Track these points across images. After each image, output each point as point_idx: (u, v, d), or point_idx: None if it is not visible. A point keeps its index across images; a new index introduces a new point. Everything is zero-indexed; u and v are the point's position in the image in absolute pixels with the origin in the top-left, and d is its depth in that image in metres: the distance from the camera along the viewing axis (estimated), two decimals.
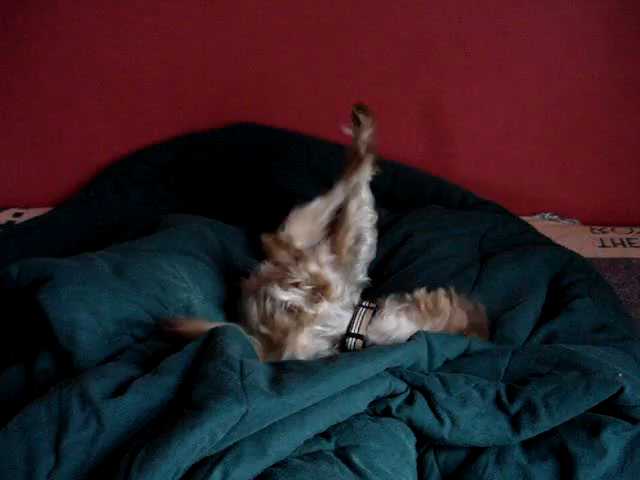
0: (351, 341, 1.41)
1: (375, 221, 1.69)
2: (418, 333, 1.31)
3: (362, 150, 1.69)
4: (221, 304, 1.63)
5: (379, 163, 2.31)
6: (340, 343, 1.43)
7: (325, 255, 1.52)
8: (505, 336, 1.46)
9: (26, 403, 1.11)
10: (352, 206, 1.66)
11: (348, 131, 1.70)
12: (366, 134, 1.69)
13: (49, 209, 2.45)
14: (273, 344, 1.40)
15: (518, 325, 1.50)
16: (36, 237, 2.16)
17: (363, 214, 1.66)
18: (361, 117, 1.68)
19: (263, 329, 1.43)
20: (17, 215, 2.47)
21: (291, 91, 2.41)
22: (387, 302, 1.45)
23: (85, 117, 2.49)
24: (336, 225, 1.67)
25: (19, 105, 2.48)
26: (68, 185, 2.54)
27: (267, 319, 1.44)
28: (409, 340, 1.30)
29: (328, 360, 1.21)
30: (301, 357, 1.37)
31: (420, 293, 1.47)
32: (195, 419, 1.01)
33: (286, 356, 1.37)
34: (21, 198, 2.55)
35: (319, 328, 1.41)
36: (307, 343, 1.40)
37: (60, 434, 1.05)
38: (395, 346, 1.27)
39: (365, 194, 1.68)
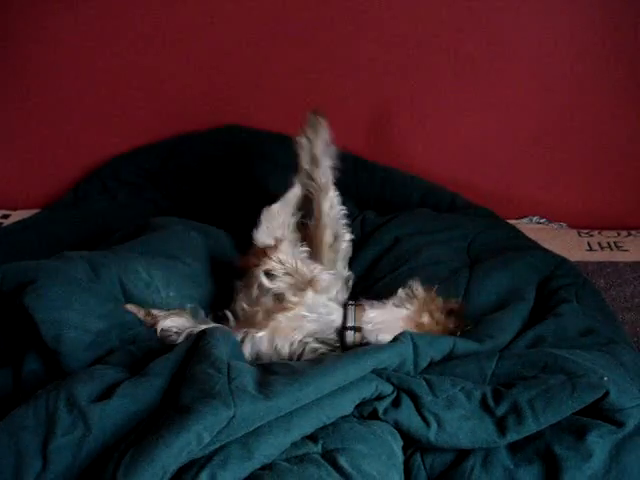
0: (350, 334, 1.44)
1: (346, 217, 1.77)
2: (403, 333, 1.32)
3: (319, 153, 1.75)
4: (204, 306, 1.62)
5: (369, 166, 2.34)
6: (340, 338, 1.46)
7: (288, 246, 1.56)
8: (487, 334, 1.46)
9: (13, 406, 1.11)
10: (324, 206, 1.72)
11: (301, 139, 1.76)
12: (323, 138, 1.75)
13: (37, 211, 2.44)
14: (255, 324, 1.44)
15: (500, 326, 1.50)
16: (24, 239, 2.15)
17: (336, 212, 1.74)
18: (318, 121, 1.75)
19: (248, 309, 1.49)
20: (4, 217, 2.46)
21: (278, 93, 2.41)
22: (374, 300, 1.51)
23: (73, 120, 2.48)
24: (310, 226, 1.75)
25: (6, 108, 2.47)
26: (56, 187, 2.53)
27: (252, 302, 1.50)
28: (394, 340, 1.31)
29: (314, 362, 1.22)
30: (282, 343, 1.42)
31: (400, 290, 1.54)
32: (182, 422, 1.01)
33: (267, 340, 1.41)
34: (9, 200, 2.54)
35: (303, 313, 1.45)
36: (288, 324, 1.43)
37: (47, 438, 1.05)
38: (381, 347, 1.28)
39: (333, 192, 1.74)
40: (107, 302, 1.42)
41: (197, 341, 1.22)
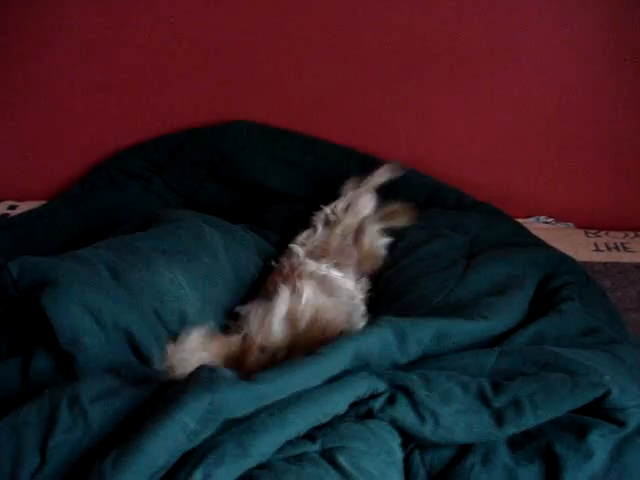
0: None
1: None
2: (381, 317, 1.33)
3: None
4: (224, 305, 1.63)
5: (376, 164, 2.34)
6: None
7: None
8: (481, 314, 1.46)
9: (20, 402, 1.12)
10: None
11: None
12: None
13: (44, 202, 2.45)
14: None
15: (493, 309, 1.49)
16: (30, 230, 2.16)
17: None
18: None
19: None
20: (12, 208, 2.47)
21: (289, 90, 2.41)
22: None
23: (81, 112, 2.48)
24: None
25: (15, 99, 2.48)
26: (63, 179, 2.54)
27: None
28: (372, 324, 1.33)
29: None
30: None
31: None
32: (165, 411, 1.02)
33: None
34: (16, 191, 2.55)
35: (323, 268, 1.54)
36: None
37: (47, 435, 1.05)
38: (359, 331, 1.31)
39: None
40: (125, 312, 1.40)
41: None
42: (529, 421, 1.14)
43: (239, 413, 1.07)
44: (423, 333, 1.33)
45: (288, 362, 1.17)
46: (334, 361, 1.19)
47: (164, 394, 1.09)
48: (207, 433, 1.04)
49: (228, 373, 1.12)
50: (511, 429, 1.14)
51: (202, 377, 1.09)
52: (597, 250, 2.17)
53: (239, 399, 1.07)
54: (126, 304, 1.41)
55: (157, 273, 1.54)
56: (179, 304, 1.52)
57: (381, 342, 1.27)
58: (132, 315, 1.40)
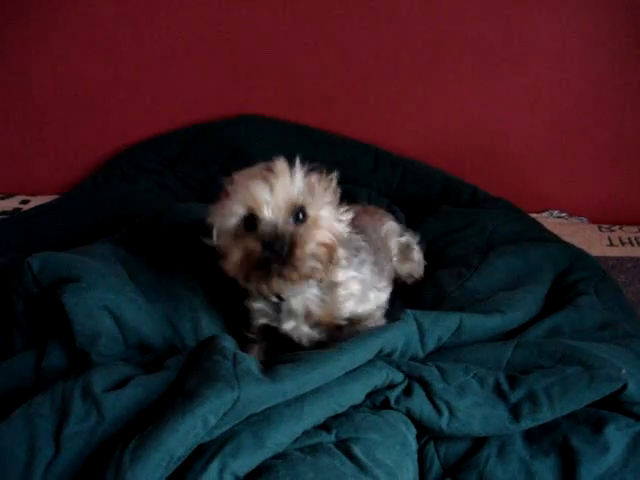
0: None
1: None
2: (405, 312, 1.31)
3: None
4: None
5: (389, 158, 2.33)
6: None
7: None
8: (497, 309, 1.45)
9: (32, 394, 1.11)
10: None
11: None
12: None
13: (56, 197, 2.45)
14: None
15: (510, 303, 1.49)
16: (42, 224, 2.16)
17: None
18: None
19: None
20: (24, 202, 2.48)
21: (300, 85, 2.41)
22: None
23: (93, 107, 2.50)
24: None
25: (28, 93, 2.48)
26: (75, 173, 2.55)
27: None
28: (397, 320, 1.30)
29: (321, 349, 1.21)
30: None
31: None
32: (187, 405, 1.01)
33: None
34: (28, 186, 2.56)
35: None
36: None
37: (61, 425, 1.05)
38: (384, 327, 1.28)
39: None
40: (142, 315, 1.39)
41: (207, 342, 1.22)
42: (546, 415, 1.13)
43: (260, 409, 1.07)
44: (444, 329, 1.33)
45: (309, 356, 1.15)
46: (358, 357, 1.18)
47: (183, 386, 1.08)
48: (227, 427, 1.04)
49: (252, 365, 1.11)
50: (528, 423, 1.13)
51: (226, 371, 1.08)
52: (611, 245, 2.16)
53: (262, 397, 1.07)
54: (142, 307, 1.40)
55: (172, 276, 1.54)
56: (191, 312, 1.51)
57: (405, 338, 1.27)
58: (150, 321, 1.39)
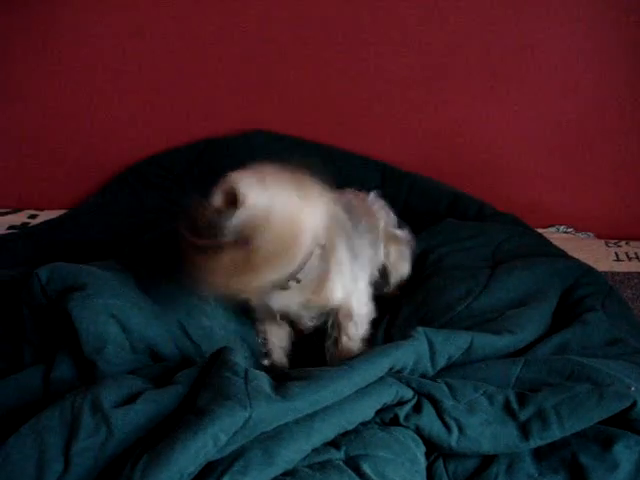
0: None
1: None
2: (416, 330, 1.31)
3: None
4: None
5: (397, 174, 2.33)
6: None
7: None
8: (506, 329, 1.45)
9: (41, 407, 1.11)
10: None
11: None
12: None
13: (64, 211, 2.46)
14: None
15: (520, 323, 1.49)
16: (51, 239, 2.16)
17: None
18: None
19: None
20: (32, 217, 2.48)
21: (308, 100, 2.42)
22: None
23: (102, 122, 2.50)
24: None
25: (37, 108, 2.49)
26: (83, 188, 2.55)
27: None
28: (408, 338, 1.30)
29: (332, 367, 1.21)
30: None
31: None
32: (198, 424, 1.01)
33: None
34: (36, 200, 2.56)
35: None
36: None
37: (70, 440, 1.05)
38: (395, 345, 1.27)
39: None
40: (152, 321, 1.39)
41: (217, 354, 1.22)
42: (555, 434, 1.13)
43: (271, 427, 1.07)
44: (455, 348, 1.33)
45: (321, 374, 1.15)
46: (370, 375, 1.18)
47: (194, 402, 1.08)
48: (237, 445, 1.04)
49: (264, 383, 1.11)
50: (537, 441, 1.13)
51: (238, 389, 1.07)
52: (618, 260, 2.16)
53: (274, 415, 1.06)
54: (152, 315, 1.41)
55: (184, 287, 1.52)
56: (206, 320, 1.50)
57: (416, 356, 1.27)
58: (157, 327, 1.40)
